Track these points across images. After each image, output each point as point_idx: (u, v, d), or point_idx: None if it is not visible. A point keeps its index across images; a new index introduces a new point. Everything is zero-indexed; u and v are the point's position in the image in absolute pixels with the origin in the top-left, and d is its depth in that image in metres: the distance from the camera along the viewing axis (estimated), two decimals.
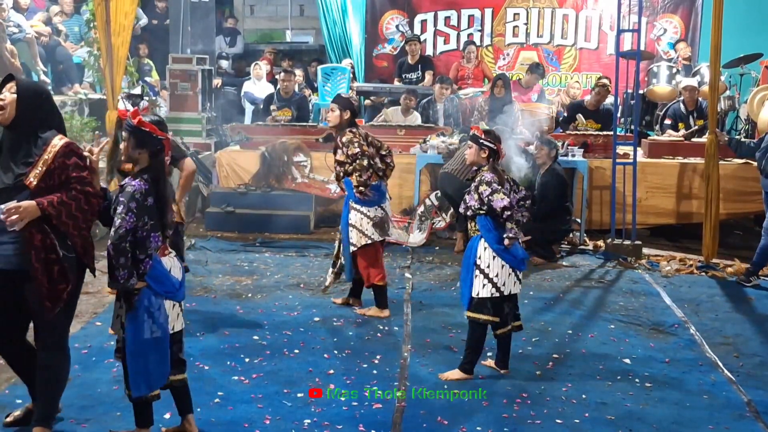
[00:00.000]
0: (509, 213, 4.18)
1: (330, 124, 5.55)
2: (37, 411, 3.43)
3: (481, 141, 4.37)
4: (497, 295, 4.28)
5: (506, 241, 4.20)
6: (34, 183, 3.19)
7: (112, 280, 3.21)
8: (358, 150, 5.20)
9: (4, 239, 3.22)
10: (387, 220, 5.48)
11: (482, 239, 4.29)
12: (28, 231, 3.17)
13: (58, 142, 3.26)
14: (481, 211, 4.27)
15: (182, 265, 3.57)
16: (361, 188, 5.23)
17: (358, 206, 5.33)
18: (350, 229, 5.34)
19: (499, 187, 4.23)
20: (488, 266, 4.26)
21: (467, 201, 4.33)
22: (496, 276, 4.26)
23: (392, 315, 5.38)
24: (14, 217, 3.10)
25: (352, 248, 5.35)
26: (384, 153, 5.43)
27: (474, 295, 4.29)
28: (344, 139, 5.27)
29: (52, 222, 3.19)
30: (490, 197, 4.20)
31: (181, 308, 3.49)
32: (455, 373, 4.37)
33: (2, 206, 3.12)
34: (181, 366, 3.51)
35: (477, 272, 4.28)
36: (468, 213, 4.33)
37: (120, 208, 3.18)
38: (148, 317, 3.28)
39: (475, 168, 4.42)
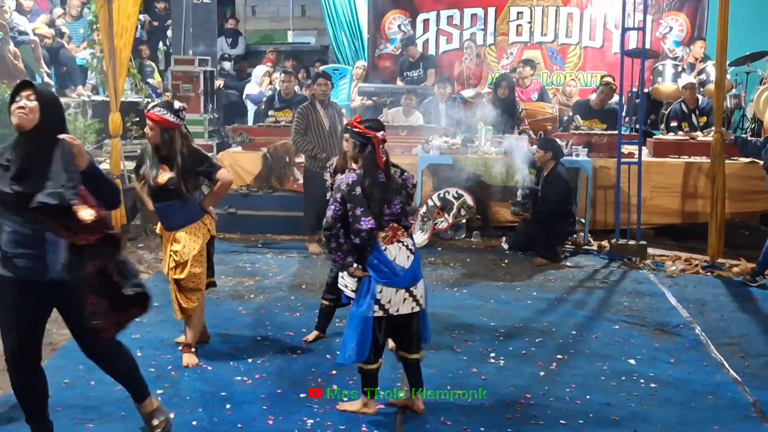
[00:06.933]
0: None
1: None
2: (134, 394, 3.55)
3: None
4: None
5: None
6: None
7: (332, 261, 3.77)
8: None
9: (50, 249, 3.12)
10: None
11: None
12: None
13: None
14: None
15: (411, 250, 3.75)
16: None
17: None
18: None
19: None
20: None
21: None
22: None
23: None
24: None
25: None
26: None
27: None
28: None
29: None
30: None
31: (411, 293, 3.70)
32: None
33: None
34: (408, 346, 3.83)
35: None
36: None
37: (330, 201, 3.70)
38: (369, 299, 3.65)
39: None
